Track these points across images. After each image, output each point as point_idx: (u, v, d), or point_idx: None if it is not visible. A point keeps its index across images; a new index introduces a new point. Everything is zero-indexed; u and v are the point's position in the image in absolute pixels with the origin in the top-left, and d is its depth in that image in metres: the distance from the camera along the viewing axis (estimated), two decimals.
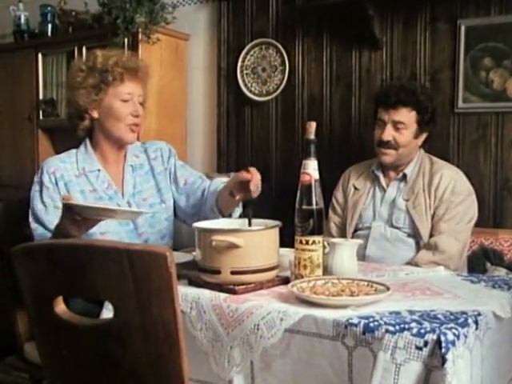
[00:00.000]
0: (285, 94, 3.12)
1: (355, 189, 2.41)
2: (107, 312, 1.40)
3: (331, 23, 2.97)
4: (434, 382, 1.13)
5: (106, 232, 1.91)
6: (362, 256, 2.14)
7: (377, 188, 2.37)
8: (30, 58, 3.62)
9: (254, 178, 1.70)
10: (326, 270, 1.56)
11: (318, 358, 1.26)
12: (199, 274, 1.52)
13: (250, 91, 3.20)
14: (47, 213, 1.89)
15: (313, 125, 1.53)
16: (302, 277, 1.48)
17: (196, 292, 1.46)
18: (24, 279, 1.22)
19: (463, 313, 1.27)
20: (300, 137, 3.06)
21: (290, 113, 3.12)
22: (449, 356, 1.11)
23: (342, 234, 2.38)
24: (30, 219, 1.90)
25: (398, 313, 1.27)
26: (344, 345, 1.22)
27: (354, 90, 2.94)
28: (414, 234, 2.24)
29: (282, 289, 1.48)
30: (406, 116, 2.26)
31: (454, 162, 2.58)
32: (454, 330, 1.16)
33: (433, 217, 2.22)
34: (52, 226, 1.83)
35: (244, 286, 1.45)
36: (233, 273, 1.46)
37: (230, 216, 1.93)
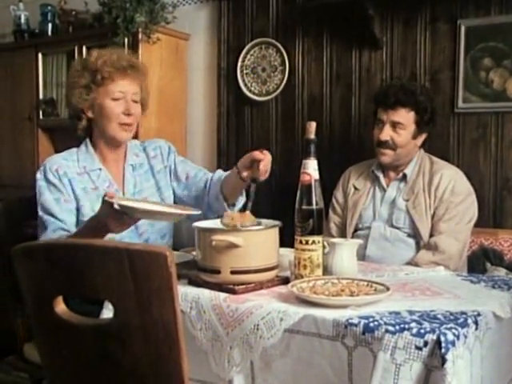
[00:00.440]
0: (285, 94, 3.11)
1: (355, 189, 2.41)
2: (107, 312, 1.40)
3: (331, 23, 2.96)
4: (434, 382, 1.13)
5: None
6: (361, 256, 2.14)
7: (377, 188, 2.37)
8: (30, 57, 3.61)
9: (266, 158, 1.76)
10: (326, 270, 1.56)
11: (318, 358, 1.26)
12: (199, 274, 1.52)
13: (250, 91, 3.20)
14: (58, 205, 1.89)
15: (313, 125, 1.53)
16: (302, 277, 1.48)
17: (196, 292, 1.46)
18: (24, 279, 1.22)
19: (463, 313, 1.27)
20: (300, 137, 3.06)
21: (289, 113, 3.12)
22: (449, 356, 1.11)
23: (342, 234, 2.38)
24: (40, 213, 1.89)
25: (397, 313, 1.27)
26: (344, 345, 1.22)
27: (354, 89, 2.94)
28: (414, 234, 2.24)
29: (282, 289, 1.48)
30: (405, 116, 2.25)
31: (453, 161, 2.58)
32: (453, 330, 1.16)
33: (433, 217, 2.23)
34: (63, 218, 1.86)
35: (244, 286, 1.45)
36: (233, 272, 1.46)
37: (233, 205, 1.94)
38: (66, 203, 1.91)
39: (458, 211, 2.21)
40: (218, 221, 1.58)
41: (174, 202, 2.08)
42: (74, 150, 2.04)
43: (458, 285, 1.57)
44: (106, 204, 1.61)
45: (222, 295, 1.43)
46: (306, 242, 1.48)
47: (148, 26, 3.09)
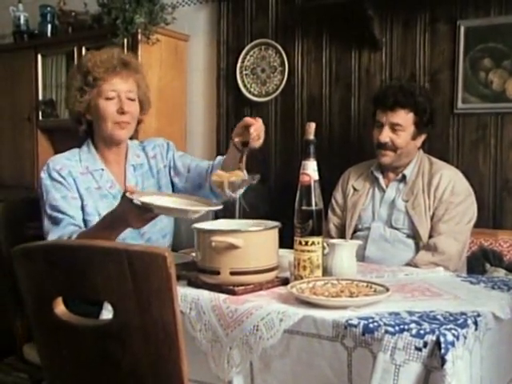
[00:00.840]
0: (284, 95, 3.12)
1: (354, 190, 2.41)
2: (107, 312, 1.40)
3: (331, 23, 2.97)
4: (434, 383, 1.13)
5: None
6: (361, 257, 2.15)
7: (376, 189, 2.37)
8: (29, 58, 3.61)
9: (257, 123, 1.79)
10: (326, 271, 1.56)
11: (318, 359, 1.26)
12: (198, 275, 1.52)
13: (250, 92, 3.20)
14: (66, 202, 1.89)
15: (312, 125, 1.53)
16: (302, 278, 1.48)
17: (195, 293, 1.46)
18: (24, 280, 1.22)
19: (463, 314, 1.27)
20: (299, 137, 3.06)
21: (289, 113, 3.12)
22: (448, 357, 1.11)
23: (342, 234, 2.38)
24: (49, 211, 1.88)
25: (397, 314, 1.27)
26: (343, 346, 1.22)
27: (354, 90, 2.94)
28: (414, 234, 2.24)
29: (282, 289, 1.48)
30: (404, 118, 2.25)
31: (453, 162, 2.58)
32: (453, 331, 1.16)
33: (432, 217, 2.22)
34: (73, 214, 1.86)
35: (243, 287, 1.45)
36: (232, 273, 1.46)
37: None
38: (74, 200, 1.91)
39: (457, 212, 2.21)
40: (218, 221, 1.58)
41: None
42: (76, 150, 2.04)
43: (458, 285, 1.57)
44: (126, 200, 1.61)
45: (222, 296, 1.43)
46: (306, 243, 1.48)
47: (147, 27, 3.10)
